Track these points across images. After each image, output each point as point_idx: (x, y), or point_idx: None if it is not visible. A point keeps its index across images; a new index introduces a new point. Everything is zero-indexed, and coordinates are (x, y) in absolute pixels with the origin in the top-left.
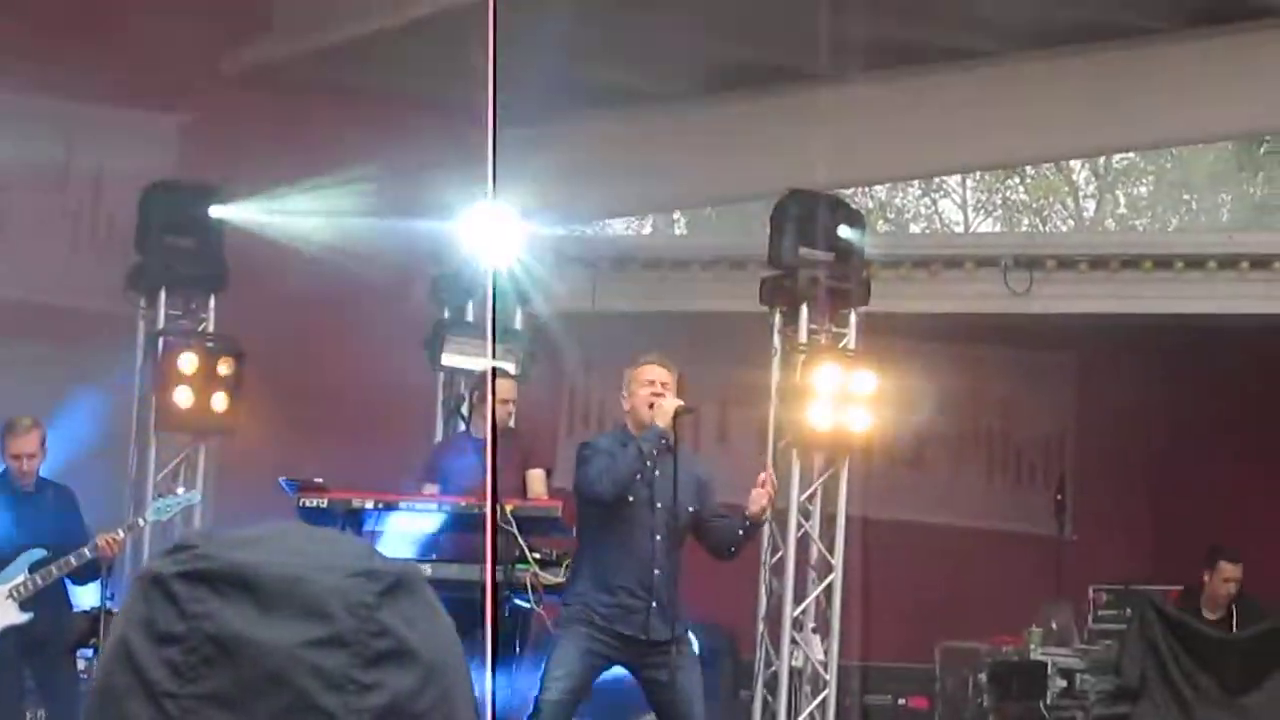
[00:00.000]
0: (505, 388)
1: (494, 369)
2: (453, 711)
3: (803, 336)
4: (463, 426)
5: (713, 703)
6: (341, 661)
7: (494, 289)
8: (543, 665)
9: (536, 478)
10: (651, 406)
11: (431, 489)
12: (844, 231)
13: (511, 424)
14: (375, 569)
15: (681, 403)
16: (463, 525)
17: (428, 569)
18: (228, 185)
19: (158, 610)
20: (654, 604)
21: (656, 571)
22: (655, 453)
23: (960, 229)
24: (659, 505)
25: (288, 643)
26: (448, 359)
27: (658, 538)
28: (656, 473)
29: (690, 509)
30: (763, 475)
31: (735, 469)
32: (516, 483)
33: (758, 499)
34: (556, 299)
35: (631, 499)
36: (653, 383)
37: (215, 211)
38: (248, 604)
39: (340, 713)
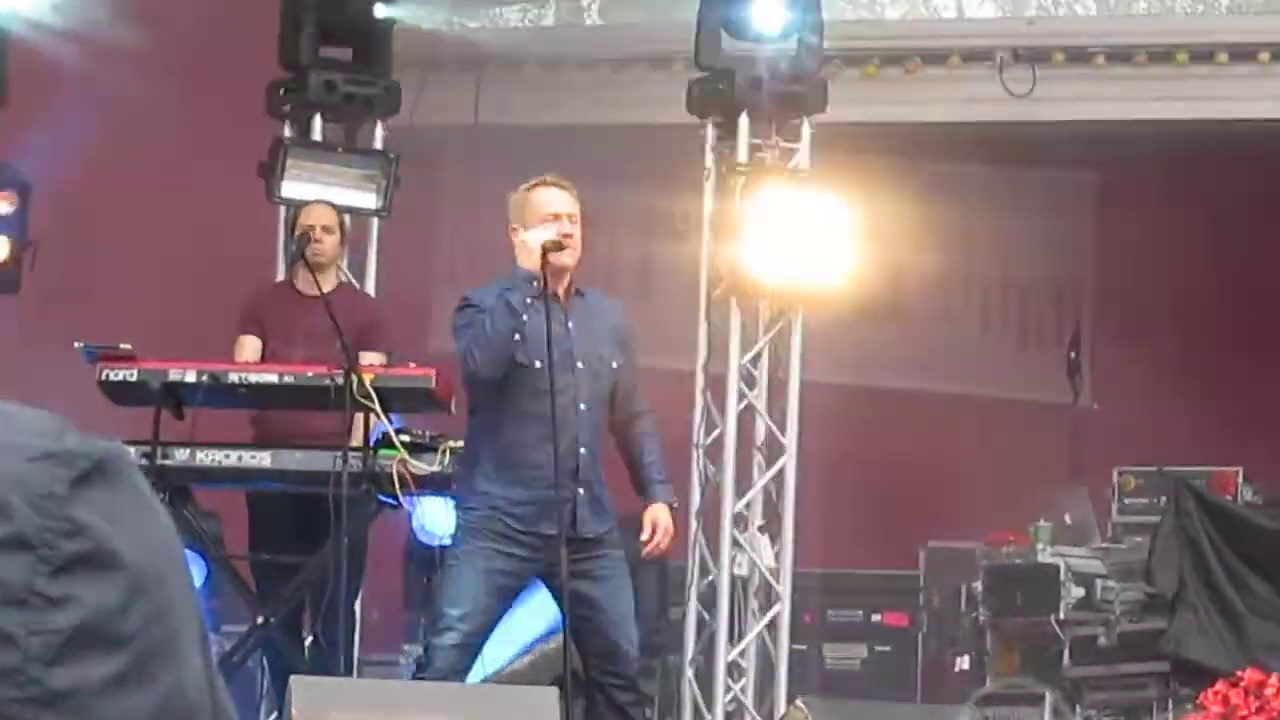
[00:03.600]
0: (321, 213)
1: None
2: (169, 635)
3: (742, 154)
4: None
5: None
6: (22, 568)
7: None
8: (437, 596)
9: (372, 360)
10: (548, 251)
11: (251, 343)
12: (791, 16)
13: (344, 269)
14: (67, 450)
15: (551, 235)
16: (313, 400)
17: (265, 457)
18: None
19: None
20: (581, 491)
21: (582, 450)
22: (534, 301)
23: (951, 15)
24: (579, 365)
25: None
26: (290, 189)
27: (582, 406)
28: (570, 324)
29: (613, 364)
30: (651, 519)
31: (659, 325)
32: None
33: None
34: (429, 109)
35: (539, 363)
36: (552, 215)
37: None
38: None
39: (19, 634)
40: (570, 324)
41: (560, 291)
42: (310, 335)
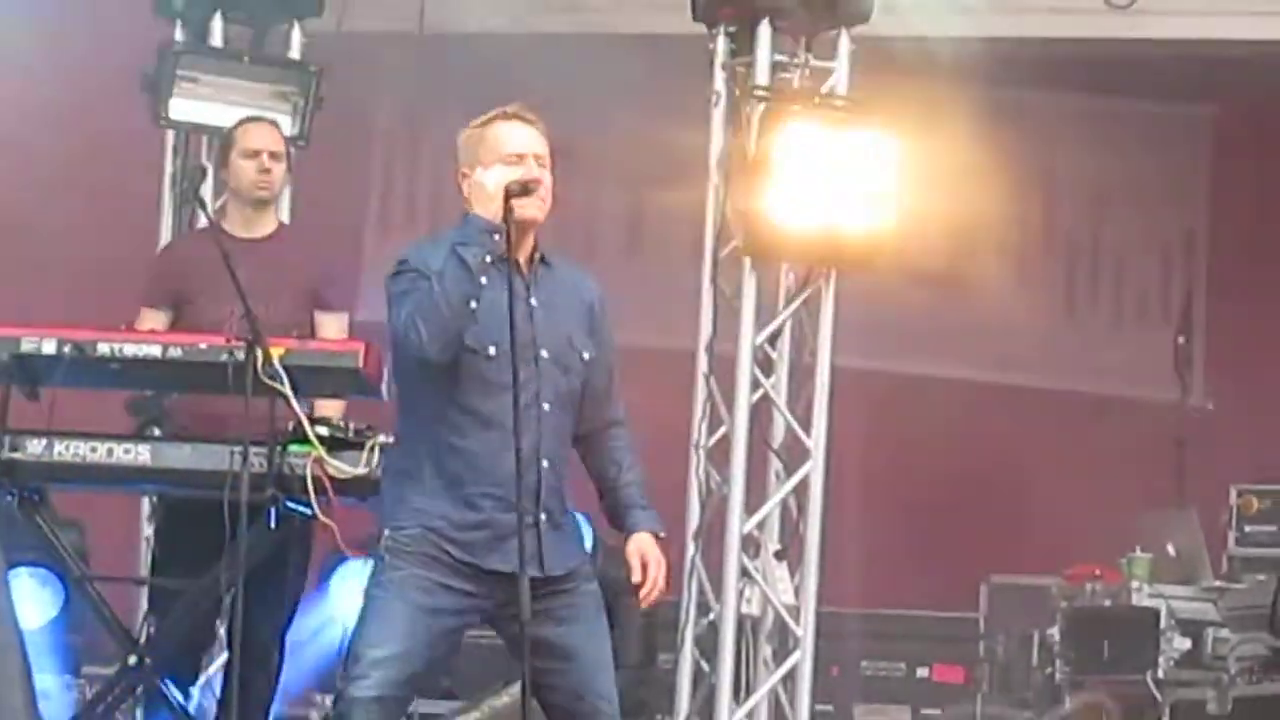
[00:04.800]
0: (266, 136)
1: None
2: None
3: (762, 75)
4: (204, 221)
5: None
6: None
7: None
8: (350, 634)
9: (331, 324)
10: (512, 196)
11: (154, 319)
12: None
13: (286, 213)
14: None
15: (521, 175)
16: (206, 380)
17: (143, 452)
18: None
19: None
20: (544, 517)
21: (545, 463)
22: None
23: None
24: (543, 354)
25: None
26: (180, 108)
27: (545, 407)
28: (534, 300)
29: (584, 355)
30: (639, 554)
31: (651, 292)
32: (299, 317)
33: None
34: (361, 10)
35: (493, 350)
36: (515, 156)
37: None
38: None
39: None
40: (533, 301)
41: (522, 258)
42: (250, 290)
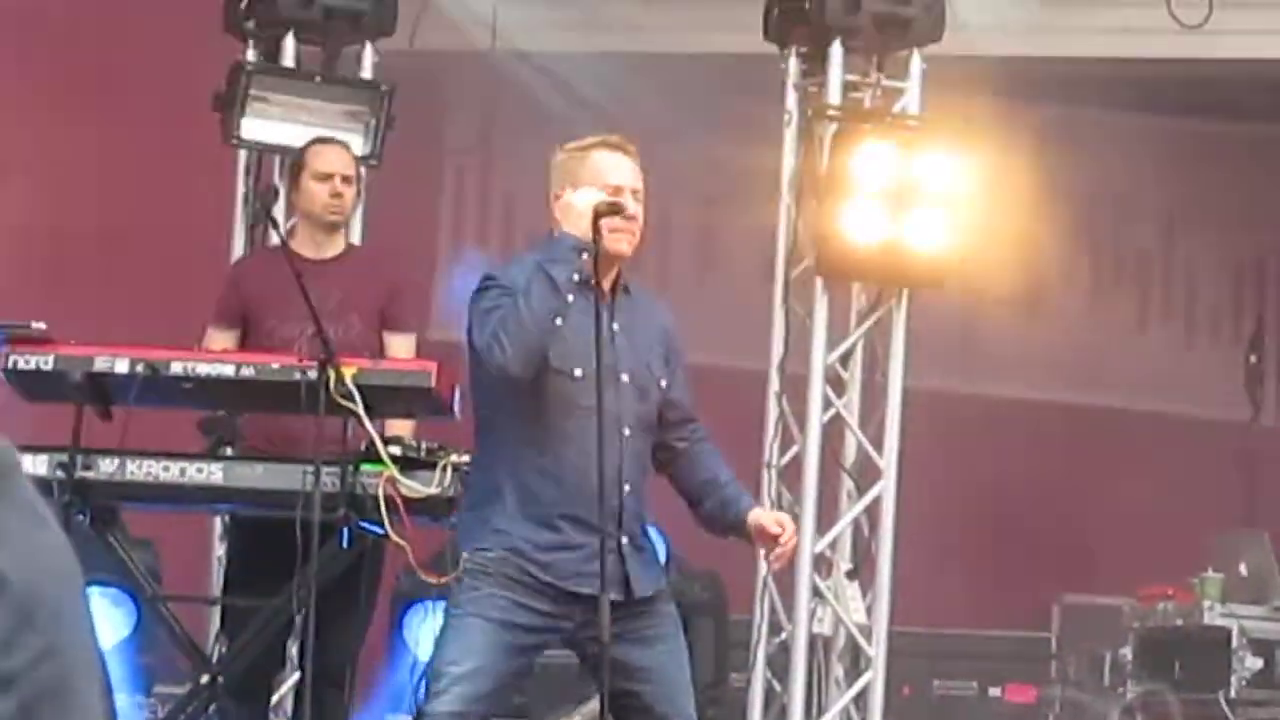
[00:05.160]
0: (338, 159)
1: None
2: (62, 677)
3: (834, 94)
4: (276, 239)
5: None
6: None
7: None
8: (432, 651)
9: (400, 345)
10: (601, 215)
11: (223, 339)
12: None
13: (357, 233)
14: None
15: (607, 197)
16: (279, 399)
17: (215, 472)
18: None
19: None
20: (626, 540)
21: (626, 487)
22: (587, 285)
23: None
24: (624, 378)
25: None
26: (252, 127)
27: (626, 432)
28: (615, 325)
29: (661, 383)
30: (774, 518)
31: (723, 312)
32: (369, 338)
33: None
34: (433, 29)
35: (579, 371)
36: (613, 188)
37: None
38: None
39: None
40: (615, 326)
41: (606, 284)
42: (321, 310)
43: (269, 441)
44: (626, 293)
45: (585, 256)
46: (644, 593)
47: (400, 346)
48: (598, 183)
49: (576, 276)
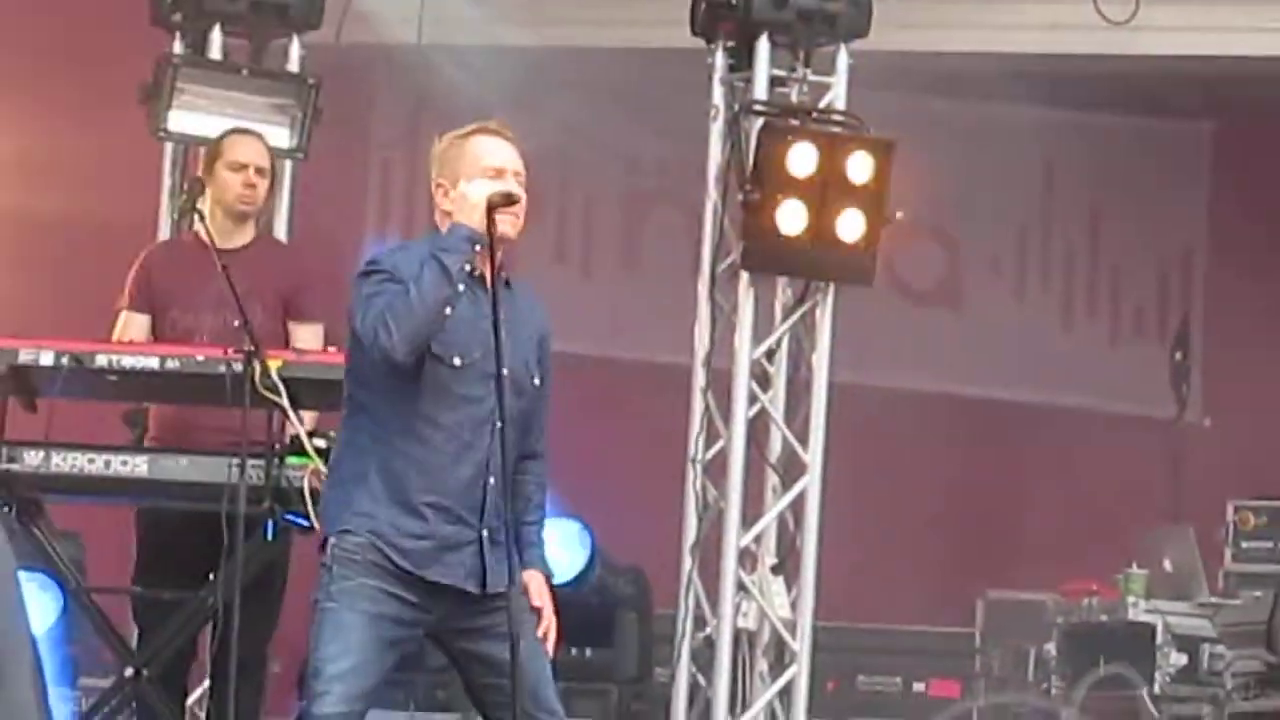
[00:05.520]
0: (253, 150)
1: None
2: None
3: (760, 89)
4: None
5: (603, 689)
6: None
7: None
8: (309, 647)
9: (306, 335)
10: (495, 207)
11: (137, 323)
12: None
13: (283, 225)
14: None
15: (504, 188)
16: (205, 392)
17: (140, 464)
18: None
19: None
20: (486, 533)
21: (492, 480)
22: (474, 276)
23: None
24: (504, 372)
25: None
26: (179, 119)
27: (499, 424)
28: (500, 314)
29: (535, 381)
30: (537, 590)
31: (648, 306)
32: (274, 328)
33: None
34: (359, 22)
35: (458, 360)
36: (494, 170)
37: None
38: None
39: None
40: (501, 313)
41: (489, 275)
42: (221, 303)
43: (169, 431)
44: (508, 286)
45: (478, 248)
46: (496, 588)
47: (305, 335)
48: (479, 165)
49: (468, 267)
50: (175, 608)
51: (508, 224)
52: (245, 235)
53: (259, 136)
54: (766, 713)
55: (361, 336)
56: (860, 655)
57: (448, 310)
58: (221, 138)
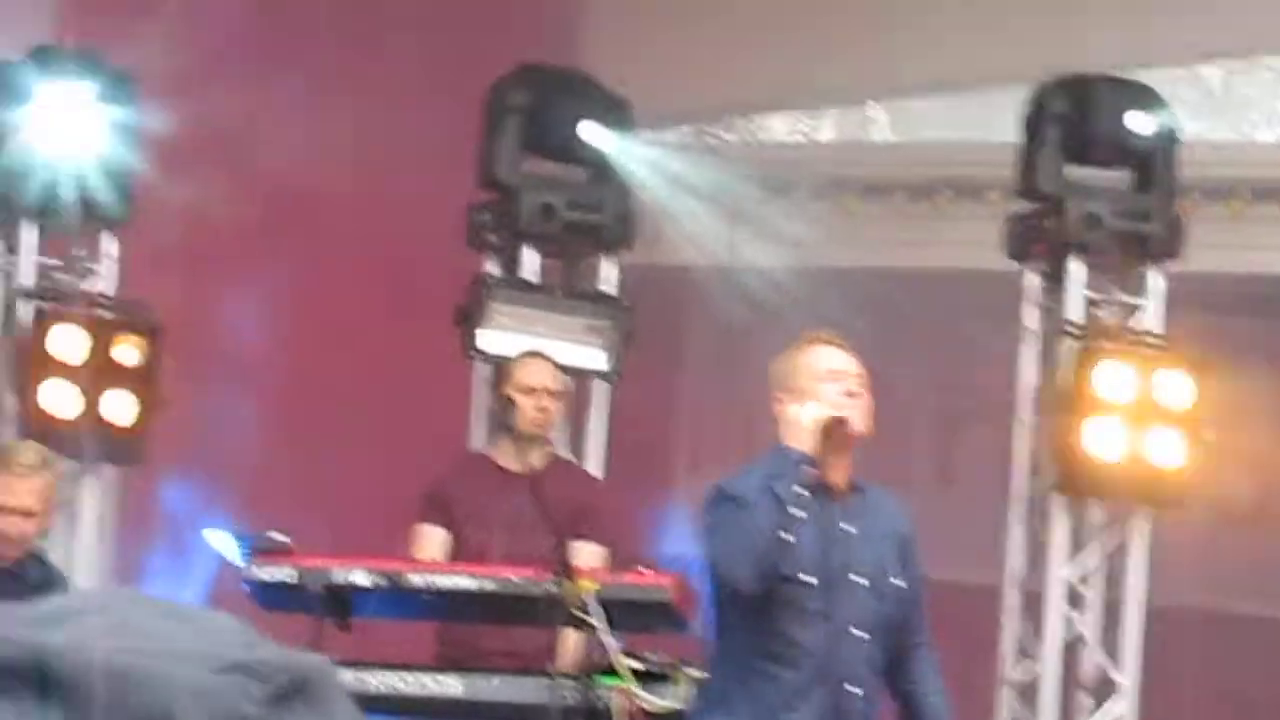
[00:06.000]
0: (542, 373)
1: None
2: None
3: (1074, 310)
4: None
5: None
6: None
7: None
8: None
9: (589, 556)
10: (829, 432)
11: (433, 535)
12: (1139, 128)
13: (600, 449)
14: (261, 662)
15: (830, 411)
16: (518, 612)
17: (455, 684)
18: None
19: None
20: None
21: (858, 690)
22: (817, 491)
23: None
24: (859, 581)
25: None
26: (490, 339)
27: (856, 633)
28: (849, 528)
29: (898, 584)
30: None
31: (960, 526)
32: (558, 549)
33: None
34: (671, 244)
35: (806, 578)
36: (834, 373)
37: None
38: (56, 710)
39: None
40: (850, 528)
41: (839, 482)
42: (513, 523)
43: (457, 652)
44: (860, 492)
45: (809, 471)
46: None
47: (587, 558)
48: (818, 371)
49: (800, 491)
50: None
51: (861, 422)
52: (539, 458)
53: (550, 360)
54: None
55: (716, 569)
56: None
57: (786, 537)
58: (514, 360)
